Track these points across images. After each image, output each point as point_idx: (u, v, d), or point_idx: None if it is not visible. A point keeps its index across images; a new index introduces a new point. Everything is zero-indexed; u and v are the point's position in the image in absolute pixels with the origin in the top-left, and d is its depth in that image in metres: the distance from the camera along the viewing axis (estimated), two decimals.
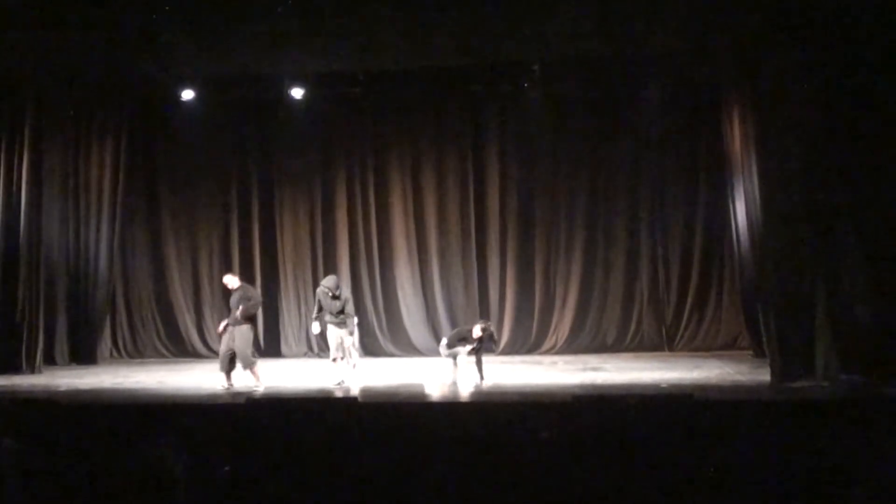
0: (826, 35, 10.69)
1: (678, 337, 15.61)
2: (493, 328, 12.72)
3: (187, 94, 14.74)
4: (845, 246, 10.73)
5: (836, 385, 10.33)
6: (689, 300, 15.63)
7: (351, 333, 11.83)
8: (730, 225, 13.79)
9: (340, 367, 11.81)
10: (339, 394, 11.24)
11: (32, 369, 13.76)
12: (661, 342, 15.59)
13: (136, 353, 16.38)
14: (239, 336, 11.41)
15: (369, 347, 15.90)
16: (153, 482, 4.38)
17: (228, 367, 11.45)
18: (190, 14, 11.64)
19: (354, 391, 11.32)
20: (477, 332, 11.94)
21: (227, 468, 5.34)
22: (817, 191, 10.82)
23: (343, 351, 11.79)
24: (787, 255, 10.93)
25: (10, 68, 12.59)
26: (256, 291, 12.97)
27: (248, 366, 11.43)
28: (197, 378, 12.62)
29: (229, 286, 12.10)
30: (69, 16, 11.53)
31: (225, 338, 11.52)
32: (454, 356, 11.91)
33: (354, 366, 11.93)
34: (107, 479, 4.96)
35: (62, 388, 12.02)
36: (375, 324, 16.02)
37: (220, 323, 12.00)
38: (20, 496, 5.21)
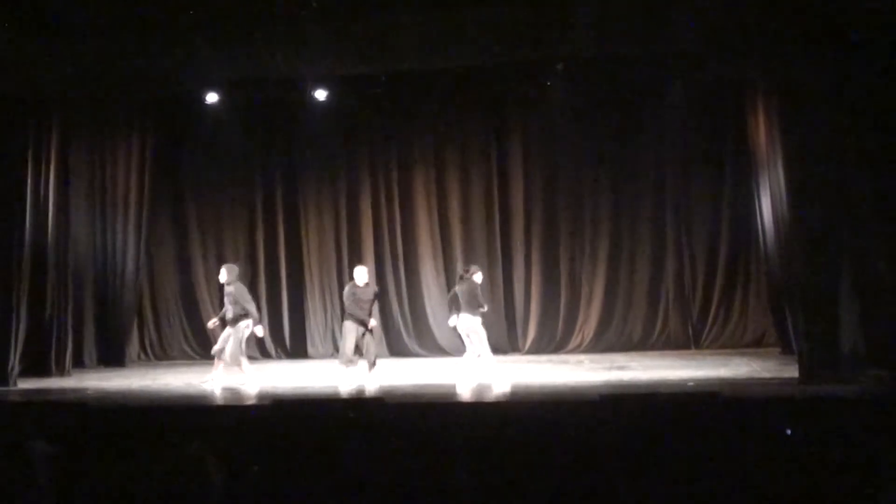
0: (850, 29, 10.62)
1: (705, 334, 15.53)
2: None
3: (211, 97, 14.80)
4: (873, 242, 10.66)
5: (865, 382, 10.25)
6: (716, 297, 15.54)
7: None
8: (756, 221, 13.72)
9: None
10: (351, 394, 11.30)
11: (61, 372, 13.89)
12: (688, 340, 15.51)
13: (163, 354, 16.49)
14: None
15: (395, 348, 15.94)
16: (184, 484, 4.42)
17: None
18: (213, 17, 11.69)
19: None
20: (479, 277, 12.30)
21: (256, 468, 5.38)
22: (844, 187, 10.75)
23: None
24: (814, 251, 10.85)
25: (37, 72, 12.68)
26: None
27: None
28: (224, 379, 12.66)
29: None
30: (94, 19, 11.62)
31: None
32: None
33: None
34: (136, 480, 4.99)
35: (90, 391, 12.12)
36: (401, 324, 16.05)
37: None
38: (51, 498, 5.25)
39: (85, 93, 14.01)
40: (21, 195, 13.26)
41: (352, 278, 12.72)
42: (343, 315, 12.72)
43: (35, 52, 12.09)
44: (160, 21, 11.56)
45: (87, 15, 11.48)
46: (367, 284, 12.55)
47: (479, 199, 16.08)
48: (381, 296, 13.82)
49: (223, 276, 12.32)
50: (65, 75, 12.82)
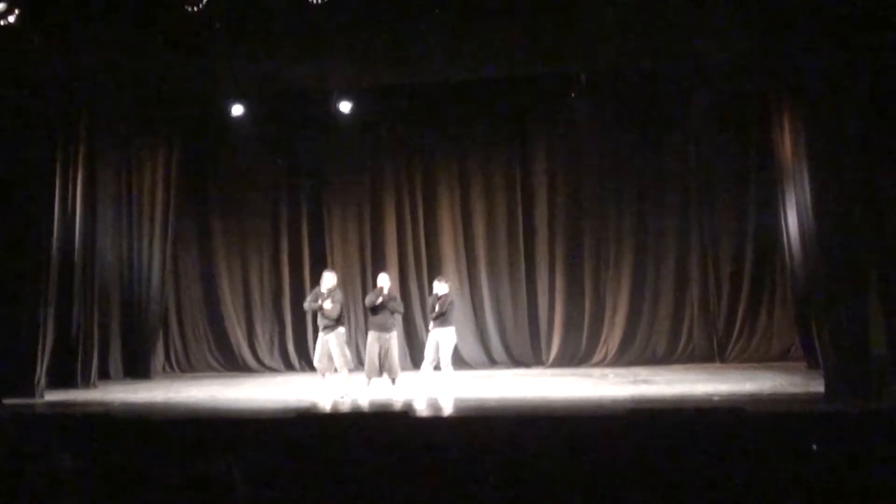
0: (876, 39, 10.55)
1: (730, 348, 15.42)
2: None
3: (237, 109, 14.88)
4: None
5: (892, 398, 10.15)
6: (741, 311, 15.45)
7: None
8: (781, 234, 13.61)
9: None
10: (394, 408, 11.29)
11: (87, 384, 13.97)
12: (713, 354, 15.40)
13: (188, 367, 16.55)
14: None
15: (418, 360, 15.90)
16: (209, 496, 4.42)
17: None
18: (239, 30, 11.78)
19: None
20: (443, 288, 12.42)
21: (281, 481, 5.39)
22: (871, 198, 10.67)
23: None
24: (841, 264, 10.76)
25: (66, 84, 12.80)
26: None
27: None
28: (248, 392, 12.71)
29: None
30: (122, 33, 11.74)
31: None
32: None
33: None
34: (161, 493, 5.00)
35: (116, 403, 12.17)
36: (424, 336, 16.01)
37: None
38: None
39: (112, 102, 14.12)
40: (49, 205, 13.31)
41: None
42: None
43: (64, 60, 12.21)
44: (188, 33, 11.67)
45: (117, 25, 11.61)
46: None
47: (502, 211, 16.07)
48: (404, 307, 13.77)
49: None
50: (93, 85, 12.94)
